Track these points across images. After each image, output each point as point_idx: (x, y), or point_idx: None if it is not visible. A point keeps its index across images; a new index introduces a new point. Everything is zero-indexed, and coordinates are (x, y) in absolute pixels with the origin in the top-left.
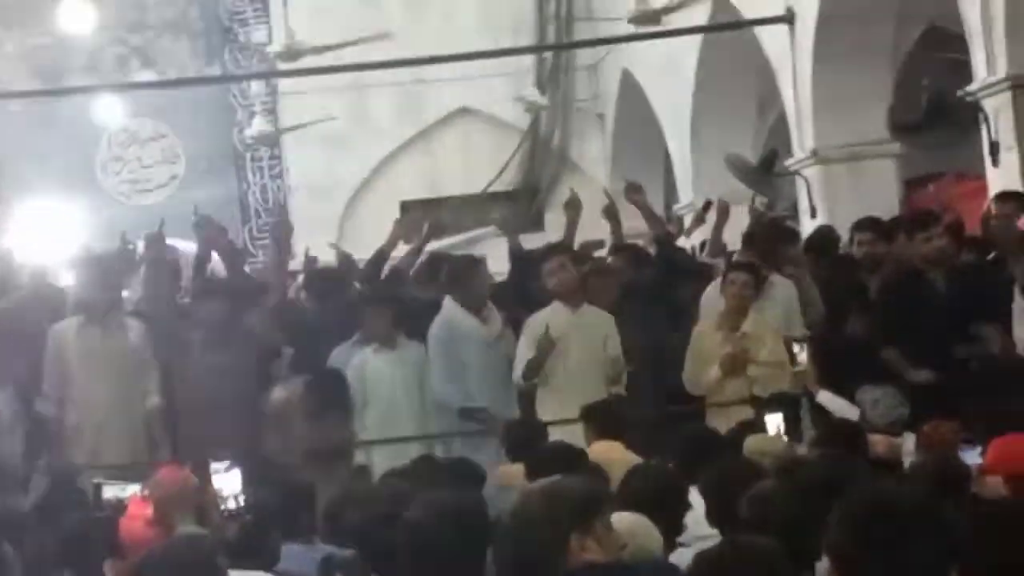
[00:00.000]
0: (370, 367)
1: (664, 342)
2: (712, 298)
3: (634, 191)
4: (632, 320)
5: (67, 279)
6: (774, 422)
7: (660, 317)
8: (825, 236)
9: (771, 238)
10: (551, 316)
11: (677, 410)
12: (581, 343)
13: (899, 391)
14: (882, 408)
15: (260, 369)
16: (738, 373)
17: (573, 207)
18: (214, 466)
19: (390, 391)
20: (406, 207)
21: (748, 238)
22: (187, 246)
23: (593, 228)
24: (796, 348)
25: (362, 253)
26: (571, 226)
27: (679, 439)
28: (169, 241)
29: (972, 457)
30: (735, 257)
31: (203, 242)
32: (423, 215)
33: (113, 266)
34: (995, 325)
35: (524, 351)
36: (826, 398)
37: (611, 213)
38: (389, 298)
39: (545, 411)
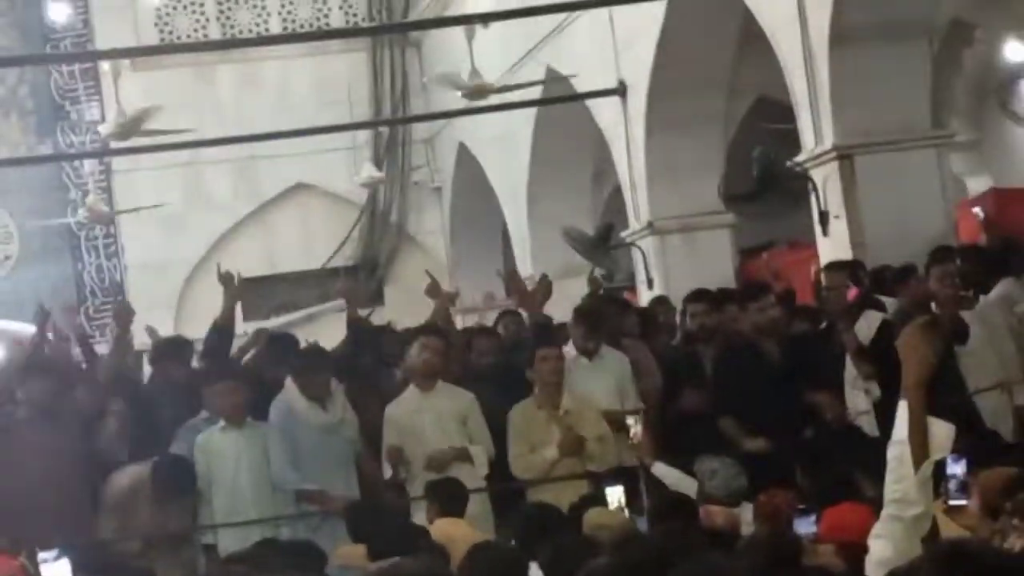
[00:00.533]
0: (215, 446)
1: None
2: None
3: (434, 290)
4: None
5: None
6: (615, 495)
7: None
8: (656, 308)
9: (602, 310)
10: (405, 399)
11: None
12: (435, 425)
13: (737, 462)
14: (720, 479)
15: (86, 443)
16: (577, 453)
17: (434, 292)
18: (42, 555)
19: (235, 472)
20: (244, 284)
21: (576, 313)
22: (20, 327)
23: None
24: (630, 421)
25: (201, 332)
26: (442, 308)
27: (518, 516)
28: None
29: (807, 526)
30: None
31: (39, 328)
32: (262, 291)
33: None
34: (828, 393)
35: (387, 438)
36: (661, 470)
37: (435, 293)
38: (241, 376)
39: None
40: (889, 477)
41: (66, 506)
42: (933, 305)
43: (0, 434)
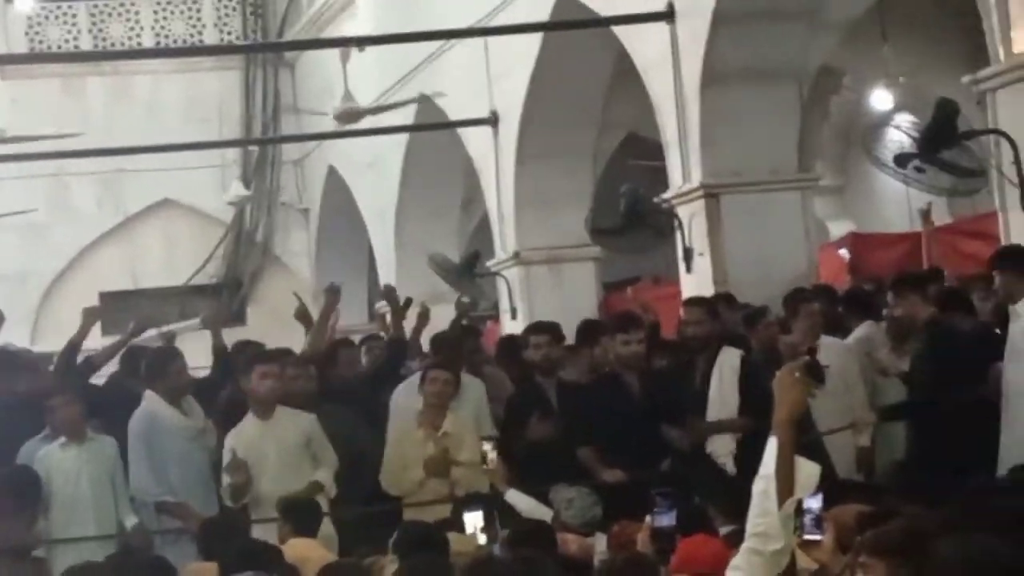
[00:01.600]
0: (54, 461)
1: (364, 442)
2: (403, 397)
3: (331, 293)
4: (333, 420)
5: None
6: (472, 521)
7: (360, 418)
8: (512, 339)
9: (457, 341)
10: (244, 430)
11: (380, 509)
12: (277, 450)
13: (593, 491)
14: (576, 508)
15: None
16: (442, 475)
17: (303, 318)
18: None
19: (75, 487)
20: (105, 298)
21: (434, 342)
22: None
23: (296, 327)
24: (486, 447)
25: (59, 345)
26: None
27: (401, 533)
28: None
29: None
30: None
31: None
32: (123, 306)
33: None
34: (694, 421)
35: (226, 466)
36: (514, 497)
37: (303, 315)
38: (79, 389)
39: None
40: (753, 511)
41: None
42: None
43: None
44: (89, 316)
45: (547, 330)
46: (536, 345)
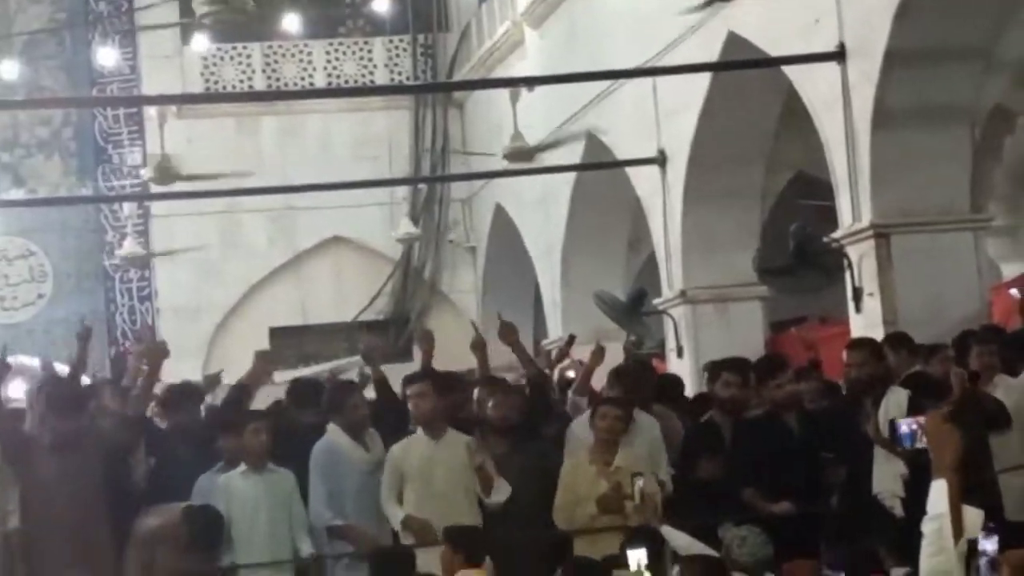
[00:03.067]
0: (235, 490)
1: (531, 477)
2: (577, 433)
3: (508, 332)
4: (500, 455)
5: None
6: (636, 558)
7: (530, 453)
8: (677, 378)
9: (638, 375)
10: (413, 445)
11: (551, 535)
12: (446, 471)
13: (763, 531)
14: (748, 546)
15: (110, 474)
16: (613, 511)
17: (427, 340)
18: None
19: (253, 516)
20: (275, 333)
21: (615, 374)
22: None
23: (462, 360)
24: (639, 483)
25: (230, 379)
26: (426, 357)
27: (567, 567)
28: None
29: None
30: (604, 392)
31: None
32: (292, 341)
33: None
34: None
35: (387, 479)
36: (671, 533)
37: (479, 346)
38: (268, 417)
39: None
40: (927, 550)
41: (89, 540)
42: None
43: (23, 465)
44: (261, 360)
45: (739, 369)
46: (727, 383)
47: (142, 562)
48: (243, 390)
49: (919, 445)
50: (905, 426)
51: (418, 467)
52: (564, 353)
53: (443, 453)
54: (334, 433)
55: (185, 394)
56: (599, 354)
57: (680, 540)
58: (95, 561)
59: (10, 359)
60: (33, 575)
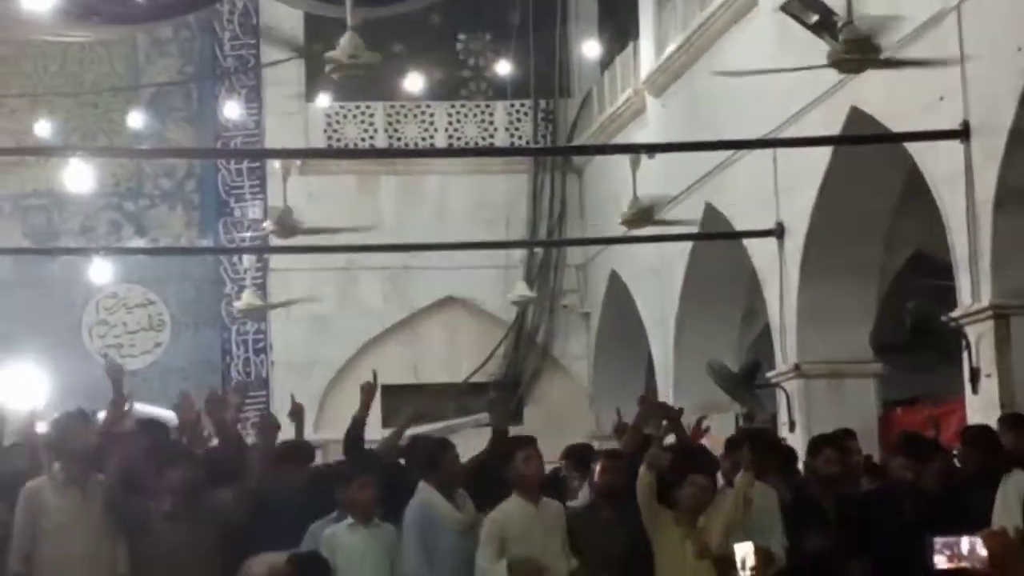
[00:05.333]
0: (340, 542)
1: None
2: None
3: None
4: (608, 521)
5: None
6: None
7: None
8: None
9: (764, 446)
10: (514, 510)
11: None
12: (544, 536)
13: None
14: None
15: (223, 547)
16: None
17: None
18: None
19: (359, 570)
20: (387, 392)
21: (732, 441)
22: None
23: (571, 424)
24: (745, 551)
25: (341, 434)
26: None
27: None
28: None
29: None
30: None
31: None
32: (404, 401)
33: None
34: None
35: (491, 545)
36: None
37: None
38: (375, 471)
39: None
40: None
41: None
42: None
43: (140, 530)
44: (367, 392)
45: (840, 448)
46: (828, 460)
47: None
48: (358, 425)
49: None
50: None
51: (520, 531)
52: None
53: (542, 517)
54: (426, 492)
55: (301, 451)
56: (700, 428)
57: None
58: None
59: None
60: None
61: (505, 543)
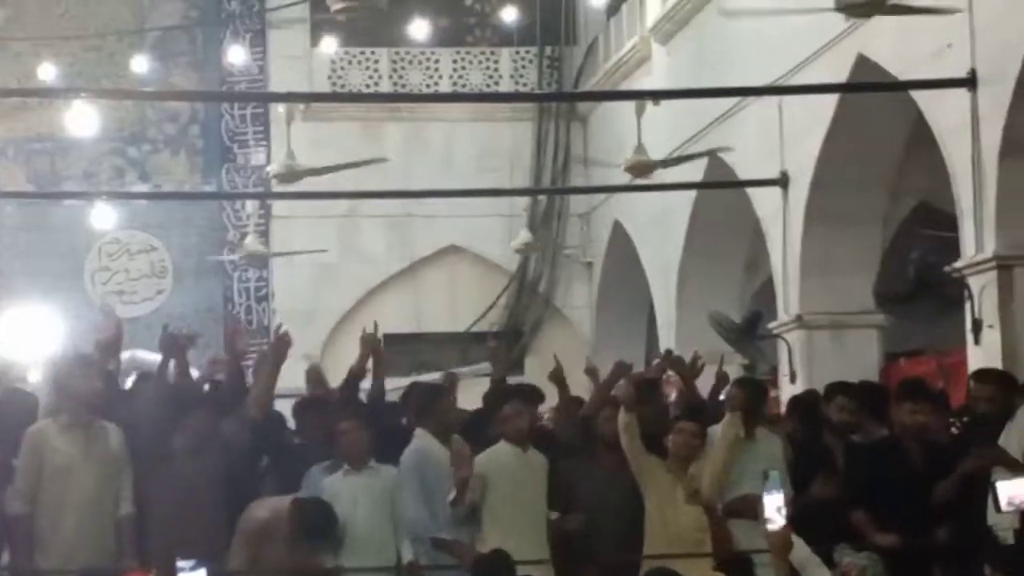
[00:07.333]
0: (338, 488)
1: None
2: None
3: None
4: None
5: (37, 377)
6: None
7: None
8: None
9: (761, 388)
10: (500, 454)
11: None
12: (529, 482)
13: (881, 558)
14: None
15: (234, 477)
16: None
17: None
18: (180, 563)
19: (352, 514)
20: (389, 340)
21: (740, 383)
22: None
23: (571, 376)
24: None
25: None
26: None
27: None
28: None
29: None
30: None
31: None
32: (405, 349)
33: (98, 368)
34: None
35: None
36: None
37: (591, 372)
38: (364, 416)
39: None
40: None
41: (208, 529)
42: None
43: (157, 463)
44: (367, 343)
45: (854, 395)
46: (841, 407)
47: (248, 555)
48: (355, 378)
49: None
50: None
51: (504, 474)
52: (662, 368)
53: (529, 465)
54: (422, 438)
55: (315, 406)
56: (724, 378)
57: (802, 551)
58: (205, 552)
59: (128, 354)
60: (144, 557)
61: (487, 483)
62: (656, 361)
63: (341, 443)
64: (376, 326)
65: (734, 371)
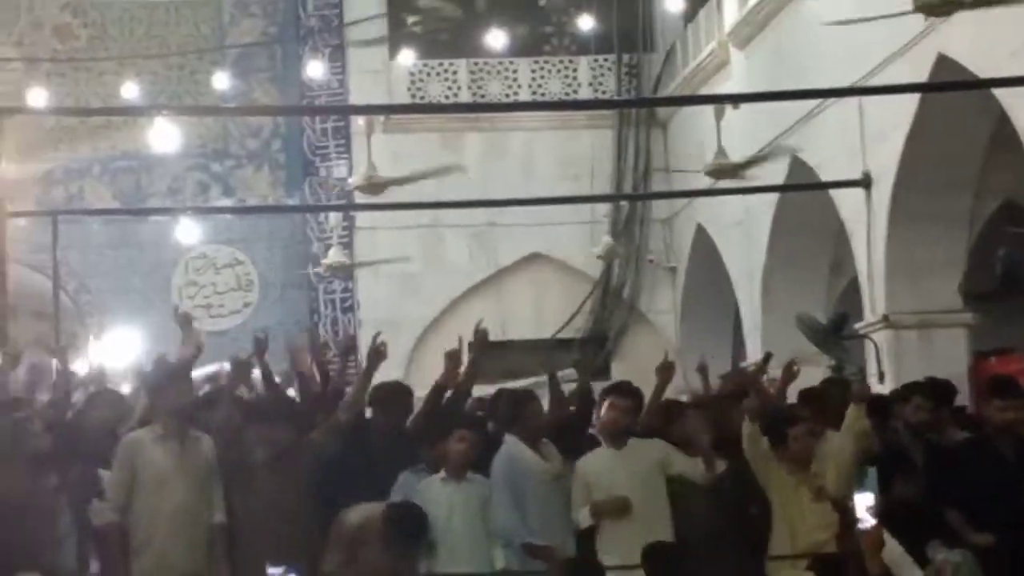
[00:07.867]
0: (433, 495)
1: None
2: None
3: (700, 369)
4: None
5: (129, 386)
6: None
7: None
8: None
9: (828, 392)
10: (597, 457)
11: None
12: (630, 479)
13: (975, 556)
14: (964, 573)
15: (324, 484)
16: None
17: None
18: (271, 571)
19: (447, 523)
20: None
21: (805, 394)
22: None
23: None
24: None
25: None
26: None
27: None
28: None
29: None
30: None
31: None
32: (491, 356)
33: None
34: None
35: (578, 494)
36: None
37: (667, 372)
38: (476, 426)
39: (606, 552)
40: None
41: (297, 540)
42: None
43: (238, 475)
44: (451, 359)
45: (930, 395)
46: (918, 407)
47: (343, 560)
48: (439, 392)
49: None
50: None
51: (604, 476)
52: (761, 371)
53: (627, 461)
54: (512, 444)
55: (398, 393)
56: (790, 373)
57: (894, 549)
58: (299, 559)
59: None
60: (235, 565)
61: (589, 488)
62: (747, 365)
63: (452, 450)
64: (461, 341)
65: (822, 372)
